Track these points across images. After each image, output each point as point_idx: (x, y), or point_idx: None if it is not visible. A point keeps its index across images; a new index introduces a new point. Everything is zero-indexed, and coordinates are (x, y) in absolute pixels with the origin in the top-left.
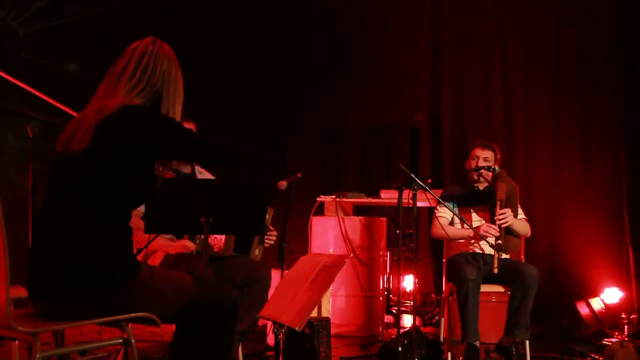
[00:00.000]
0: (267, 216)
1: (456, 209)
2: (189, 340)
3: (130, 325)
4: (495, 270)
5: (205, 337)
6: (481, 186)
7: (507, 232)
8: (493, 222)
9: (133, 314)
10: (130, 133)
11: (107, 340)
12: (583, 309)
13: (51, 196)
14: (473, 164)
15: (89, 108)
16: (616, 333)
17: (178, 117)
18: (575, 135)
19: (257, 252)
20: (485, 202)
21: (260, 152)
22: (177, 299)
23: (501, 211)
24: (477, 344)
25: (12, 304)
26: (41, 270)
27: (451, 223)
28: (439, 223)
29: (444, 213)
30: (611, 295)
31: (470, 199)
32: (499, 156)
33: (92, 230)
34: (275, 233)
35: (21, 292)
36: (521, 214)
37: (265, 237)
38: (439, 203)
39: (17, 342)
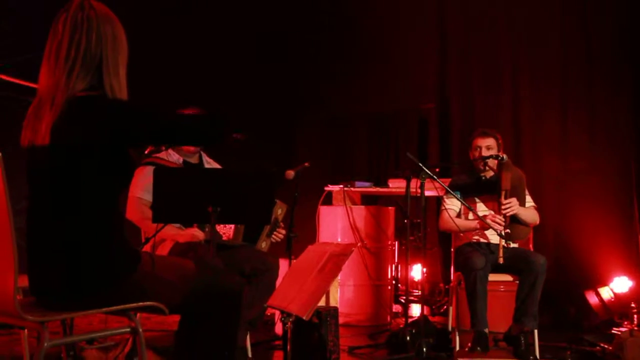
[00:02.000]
0: (280, 211)
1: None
2: (194, 328)
3: (137, 314)
4: (501, 260)
5: (210, 325)
6: (488, 175)
7: (515, 220)
8: (499, 211)
9: (140, 303)
10: (83, 132)
11: (115, 329)
12: (592, 298)
13: (32, 194)
14: (476, 154)
15: (41, 99)
16: (625, 322)
17: (123, 81)
18: (584, 124)
19: (263, 244)
20: (492, 192)
21: (228, 116)
22: (180, 286)
23: (506, 200)
24: (486, 331)
25: (21, 292)
26: (39, 268)
27: (458, 215)
28: (448, 215)
29: (452, 205)
30: (620, 284)
31: (476, 189)
32: (501, 142)
33: (81, 225)
34: (284, 231)
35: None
36: (530, 202)
37: (274, 232)
38: (446, 192)
39: (26, 330)
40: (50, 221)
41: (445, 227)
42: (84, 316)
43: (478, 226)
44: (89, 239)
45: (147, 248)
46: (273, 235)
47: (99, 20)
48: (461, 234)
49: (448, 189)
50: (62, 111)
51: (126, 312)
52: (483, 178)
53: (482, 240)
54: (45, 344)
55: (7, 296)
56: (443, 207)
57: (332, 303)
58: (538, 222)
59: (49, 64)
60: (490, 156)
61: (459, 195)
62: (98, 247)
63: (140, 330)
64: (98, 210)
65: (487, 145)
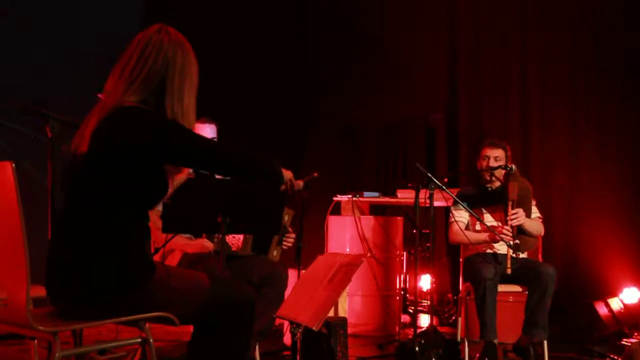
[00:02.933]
0: (286, 218)
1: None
2: (207, 339)
3: (147, 324)
4: (509, 271)
5: (223, 336)
6: (494, 186)
7: (520, 231)
8: (506, 222)
9: (151, 314)
10: (119, 140)
11: (126, 340)
12: (602, 309)
13: (66, 198)
14: (484, 164)
15: (96, 107)
16: (635, 333)
17: (189, 107)
18: (593, 136)
19: (275, 253)
20: (498, 202)
21: (272, 162)
22: (194, 298)
23: (513, 211)
24: (496, 342)
25: (32, 303)
26: (58, 272)
27: (466, 227)
28: (458, 227)
29: (460, 217)
30: (630, 295)
31: (482, 200)
32: (509, 154)
33: (105, 232)
34: (293, 235)
35: (41, 292)
36: (535, 213)
37: (284, 239)
38: (454, 203)
39: (36, 341)
40: (71, 227)
41: (455, 240)
42: (96, 326)
43: (487, 239)
44: (107, 248)
45: (156, 258)
46: (283, 243)
47: (171, 45)
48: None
49: (457, 199)
50: (105, 117)
51: (137, 322)
52: (489, 189)
53: (489, 251)
54: (57, 354)
55: (19, 307)
56: (452, 220)
57: (341, 313)
58: (543, 233)
59: (113, 77)
60: (499, 167)
61: (468, 207)
62: (115, 255)
63: (151, 340)
64: (120, 220)
65: (496, 156)
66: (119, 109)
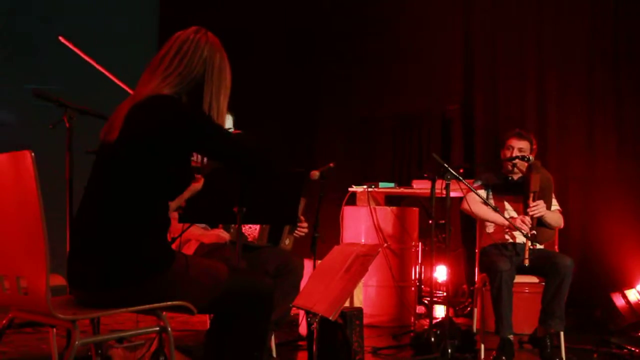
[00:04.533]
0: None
1: (491, 197)
2: (225, 328)
3: (164, 313)
4: (526, 262)
5: (241, 326)
6: (515, 177)
7: (540, 223)
8: (526, 213)
9: (169, 302)
10: (152, 126)
11: (144, 328)
12: (618, 301)
13: (91, 185)
14: (508, 153)
15: (128, 98)
16: None
17: (223, 109)
18: (610, 127)
19: (287, 241)
20: (519, 193)
21: (284, 160)
22: (212, 288)
23: (534, 203)
24: (511, 337)
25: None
26: (79, 258)
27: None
28: (469, 198)
29: (480, 194)
30: None
31: (503, 189)
32: (535, 147)
33: (127, 219)
34: (305, 224)
35: (59, 280)
36: (555, 205)
37: (296, 228)
38: (476, 182)
39: (55, 329)
40: (94, 214)
41: (468, 209)
42: (115, 314)
43: (503, 222)
44: (129, 234)
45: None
46: (296, 231)
47: (208, 44)
48: (488, 233)
49: (474, 191)
50: (138, 103)
51: (155, 311)
52: (510, 179)
53: (509, 240)
54: (77, 342)
55: (39, 295)
56: (470, 191)
57: (356, 304)
58: (562, 225)
59: (150, 68)
60: (517, 157)
61: (490, 192)
62: (136, 242)
63: (169, 329)
64: (143, 208)
65: (520, 148)
66: (154, 97)
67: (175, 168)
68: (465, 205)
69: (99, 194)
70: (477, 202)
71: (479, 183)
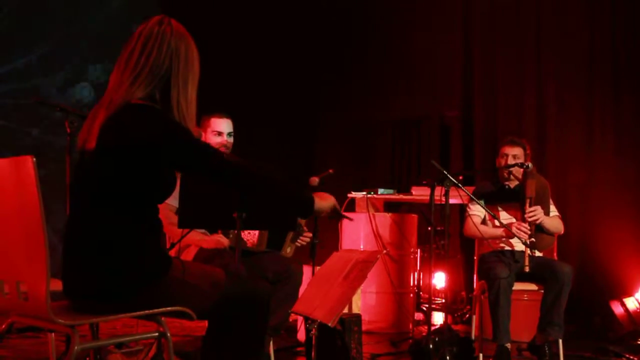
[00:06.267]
0: None
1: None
2: (222, 334)
3: (163, 319)
4: (527, 269)
5: (238, 331)
6: (512, 184)
7: (539, 229)
8: (523, 220)
9: (169, 308)
10: (127, 139)
11: (143, 334)
12: (617, 309)
13: (76, 194)
14: (502, 161)
15: (101, 102)
16: None
17: (192, 99)
18: (609, 133)
19: (288, 250)
20: (515, 200)
21: (299, 191)
22: (210, 293)
23: (531, 208)
24: (509, 345)
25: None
26: (73, 268)
27: (483, 222)
28: (472, 222)
29: (477, 211)
30: None
31: (499, 197)
32: (529, 152)
33: (116, 227)
34: (309, 234)
35: (59, 285)
36: (554, 211)
37: (298, 237)
38: (470, 200)
39: (54, 334)
40: (84, 223)
41: (469, 234)
42: (114, 320)
43: (503, 234)
44: (121, 243)
45: (172, 254)
46: (298, 240)
47: (173, 36)
48: (485, 242)
49: (472, 197)
50: (114, 114)
51: (154, 317)
52: (507, 187)
53: (506, 248)
54: (76, 348)
55: (39, 300)
56: (468, 214)
57: (355, 310)
58: (562, 231)
59: (118, 70)
60: (515, 164)
61: (484, 203)
62: (129, 251)
63: (169, 334)
64: (132, 216)
65: (514, 154)
66: (128, 106)
67: (157, 174)
68: (470, 232)
69: (85, 205)
70: (479, 223)
71: (476, 196)
